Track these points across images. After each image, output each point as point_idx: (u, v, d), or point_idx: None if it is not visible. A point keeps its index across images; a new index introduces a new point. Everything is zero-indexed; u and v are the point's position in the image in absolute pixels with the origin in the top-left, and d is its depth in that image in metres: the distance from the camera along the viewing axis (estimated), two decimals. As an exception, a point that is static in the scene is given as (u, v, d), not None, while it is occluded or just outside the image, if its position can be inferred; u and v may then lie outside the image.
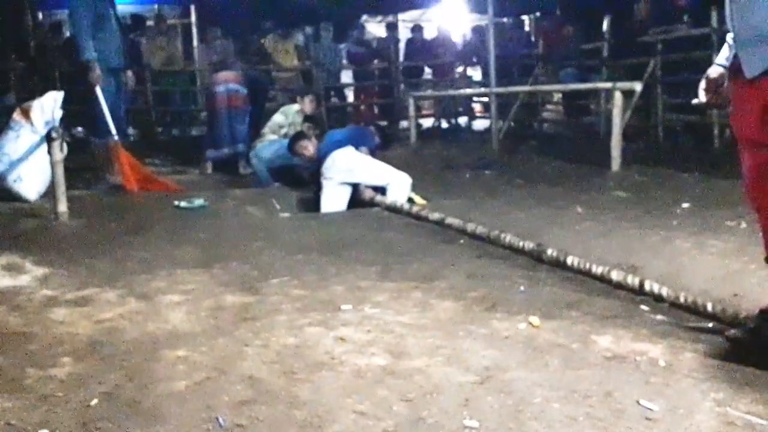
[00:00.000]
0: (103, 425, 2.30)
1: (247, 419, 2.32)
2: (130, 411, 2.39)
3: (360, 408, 2.38)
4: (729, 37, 2.88)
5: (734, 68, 2.77)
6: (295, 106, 8.50)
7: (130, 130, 10.70)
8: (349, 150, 6.43)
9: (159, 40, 13.19)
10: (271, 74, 12.68)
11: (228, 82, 8.92)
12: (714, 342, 2.92)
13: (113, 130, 6.83)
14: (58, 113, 6.15)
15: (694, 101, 3.10)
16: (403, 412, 2.35)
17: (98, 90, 6.74)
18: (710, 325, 3.12)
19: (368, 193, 6.19)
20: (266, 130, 8.18)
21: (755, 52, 2.62)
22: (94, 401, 2.46)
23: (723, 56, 2.94)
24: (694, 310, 3.24)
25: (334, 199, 6.20)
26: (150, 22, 13.48)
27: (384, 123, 12.95)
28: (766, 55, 2.59)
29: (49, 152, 5.60)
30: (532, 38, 14.66)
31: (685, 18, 9.49)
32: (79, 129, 8.95)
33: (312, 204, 6.40)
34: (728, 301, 3.30)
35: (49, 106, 6.13)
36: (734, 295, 3.42)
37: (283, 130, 8.06)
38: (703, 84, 2.97)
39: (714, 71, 2.95)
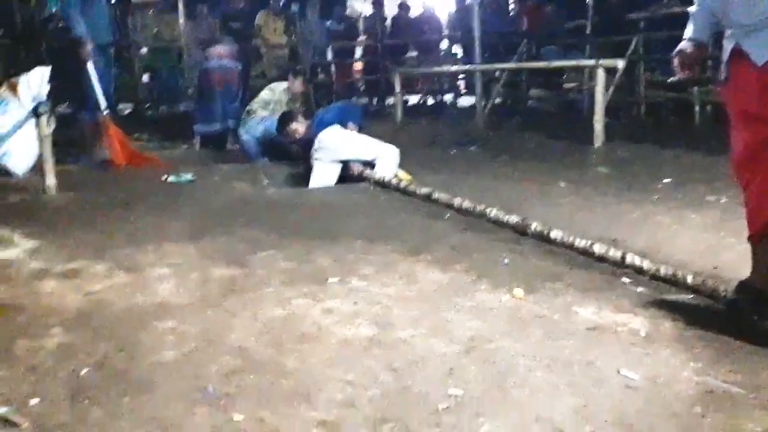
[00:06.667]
0: (93, 395, 2.32)
1: (236, 388, 2.35)
2: (119, 381, 2.41)
3: (347, 377, 2.42)
4: (692, 8, 2.87)
5: (737, 53, 2.71)
6: (283, 84, 8.45)
7: (120, 105, 10.63)
8: (335, 129, 6.43)
9: (152, 15, 13.07)
10: (260, 50, 12.59)
11: (222, 57, 8.83)
12: (693, 313, 2.97)
13: (103, 105, 6.83)
14: (45, 88, 6.12)
15: (671, 79, 3.09)
16: (389, 382, 2.39)
17: (90, 65, 6.73)
18: (690, 297, 3.18)
19: (357, 168, 6.20)
20: (255, 106, 8.11)
21: (765, 37, 2.60)
22: (84, 371, 2.48)
23: (694, 30, 2.89)
24: (674, 282, 3.29)
25: (323, 174, 6.20)
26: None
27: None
28: None
29: (37, 127, 5.59)
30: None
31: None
32: (66, 105, 8.90)
33: (301, 179, 6.41)
34: (708, 274, 3.35)
35: (35, 82, 6.09)
36: (714, 267, 3.48)
37: (270, 107, 8.03)
38: (677, 60, 2.91)
39: (689, 46, 2.89)
